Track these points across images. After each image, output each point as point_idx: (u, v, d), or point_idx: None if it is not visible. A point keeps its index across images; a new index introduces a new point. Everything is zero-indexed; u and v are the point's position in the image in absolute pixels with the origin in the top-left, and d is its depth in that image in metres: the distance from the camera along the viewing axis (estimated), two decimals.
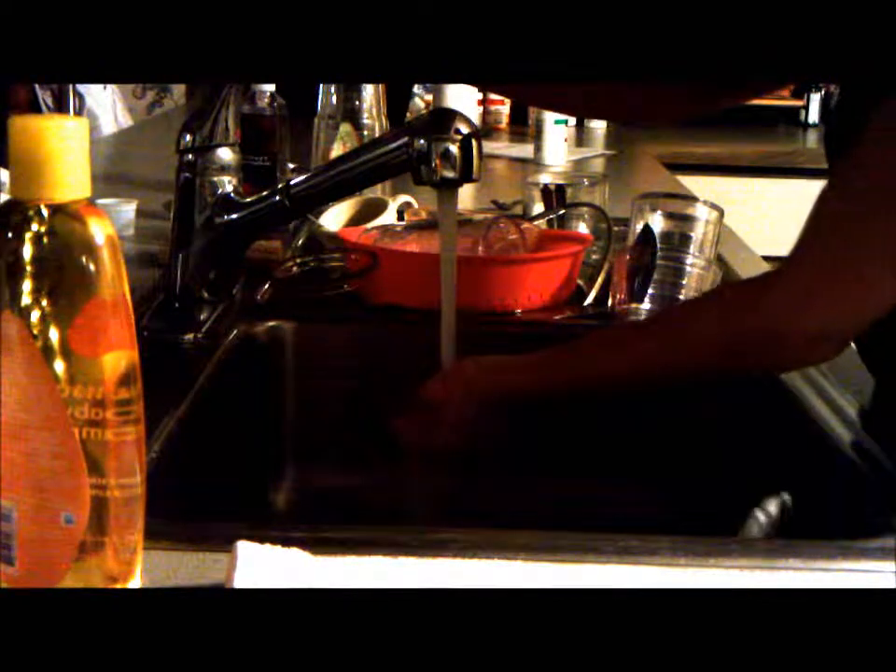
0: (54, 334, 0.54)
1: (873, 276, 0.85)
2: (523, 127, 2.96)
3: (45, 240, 0.54)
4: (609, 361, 0.97)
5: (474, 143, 1.00)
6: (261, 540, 0.65)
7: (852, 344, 1.02)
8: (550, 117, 2.36)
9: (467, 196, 1.86)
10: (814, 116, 3.39)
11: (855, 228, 0.86)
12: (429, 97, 2.64)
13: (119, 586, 0.58)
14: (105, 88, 3.10)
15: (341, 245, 1.31)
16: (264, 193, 1.11)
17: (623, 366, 0.96)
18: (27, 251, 0.54)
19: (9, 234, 0.54)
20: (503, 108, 3.02)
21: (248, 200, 1.11)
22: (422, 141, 1.00)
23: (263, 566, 0.62)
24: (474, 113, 2.57)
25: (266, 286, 1.28)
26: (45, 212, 0.54)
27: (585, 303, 1.29)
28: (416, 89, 2.76)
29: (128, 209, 1.52)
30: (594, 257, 1.35)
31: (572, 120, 2.90)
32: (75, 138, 0.54)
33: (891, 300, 0.85)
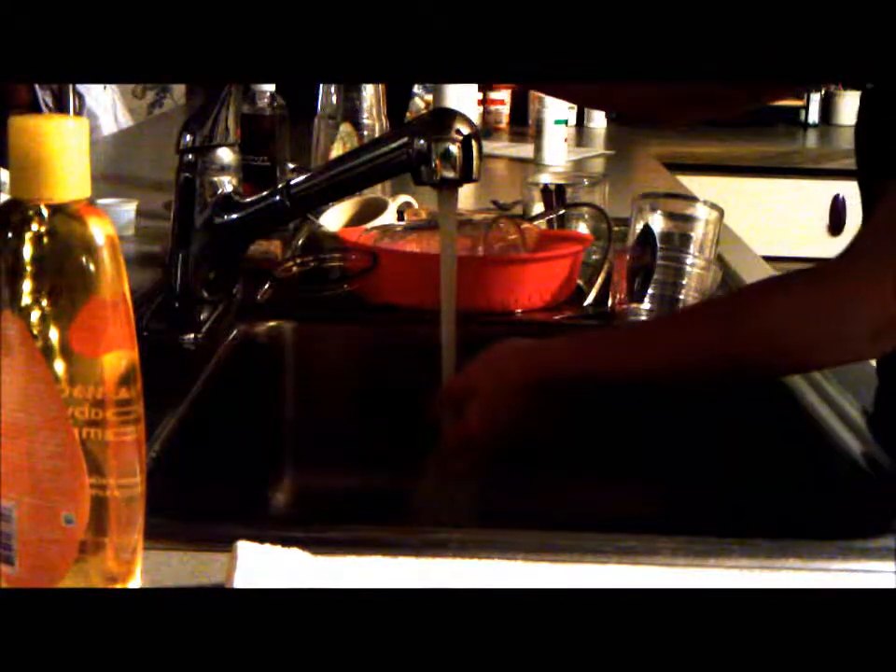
0: (54, 334, 0.54)
1: None
2: (523, 127, 2.96)
3: (45, 240, 0.54)
4: (662, 347, 0.92)
5: (474, 143, 1.00)
6: (261, 540, 0.65)
7: None
8: (550, 117, 2.36)
9: (467, 196, 1.86)
10: (814, 116, 3.39)
11: None
12: (429, 97, 2.64)
13: (119, 586, 0.58)
14: (104, 88, 3.10)
15: (341, 245, 1.31)
16: (264, 193, 1.11)
17: (671, 351, 0.92)
18: (27, 251, 0.54)
19: (9, 234, 0.54)
20: (503, 108, 3.02)
21: (248, 200, 1.11)
22: (422, 141, 1.00)
23: (263, 566, 0.62)
24: (474, 113, 2.57)
25: (266, 286, 1.28)
26: (45, 212, 0.54)
27: (585, 303, 1.29)
28: (416, 89, 2.76)
29: (128, 209, 1.52)
30: (594, 257, 1.35)
31: (572, 120, 2.90)
32: (75, 138, 0.54)
33: None
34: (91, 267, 0.54)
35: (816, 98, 3.38)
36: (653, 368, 0.92)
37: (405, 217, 1.47)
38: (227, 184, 1.11)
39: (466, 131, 1.00)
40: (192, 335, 1.10)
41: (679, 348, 0.92)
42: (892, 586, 0.67)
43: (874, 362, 1.01)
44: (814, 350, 0.87)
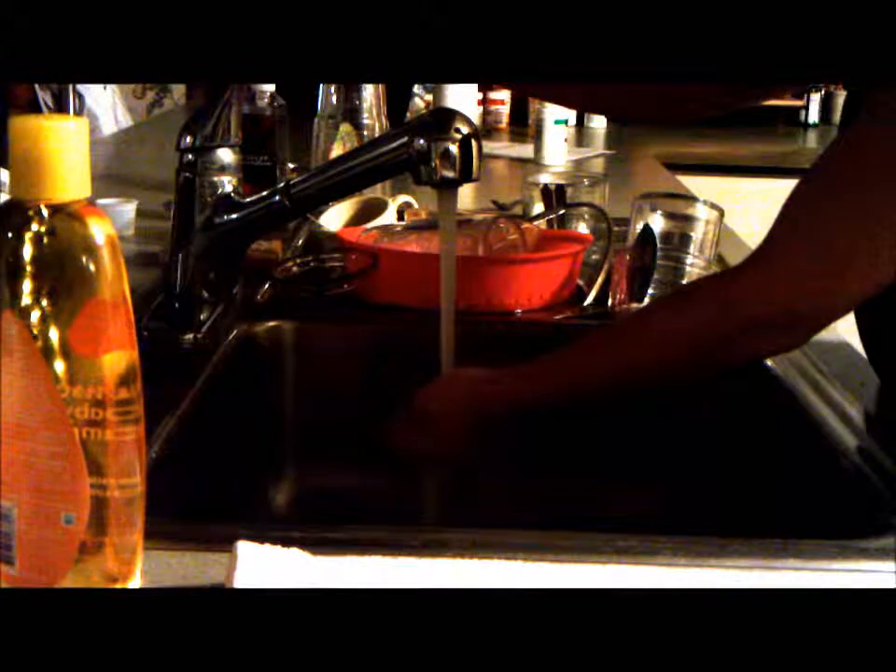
0: (54, 334, 0.54)
1: (845, 262, 0.85)
2: (523, 127, 2.96)
3: (45, 240, 0.54)
4: (595, 367, 0.97)
5: (474, 143, 1.00)
6: (261, 540, 0.65)
7: (859, 344, 1.03)
8: (550, 117, 2.36)
9: (467, 196, 1.86)
10: (814, 116, 3.39)
11: (827, 215, 0.86)
12: (429, 97, 2.64)
13: (118, 586, 0.58)
14: (105, 88, 3.11)
15: (341, 245, 1.31)
16: (264, 193, 1.11)
17: (609, 369, 0.96)
18: (27, 251, 0.54)
19: (9, 234, 0.54)
20: (503, 108, 3.02)
21: (248, 200, 1.11)
22: (422, 141, 1.00)
23: (263, 566, 0.62)
24: (474, 113, 2.57)
25: (266, 286, 1.28)
26: (45, 212, 0.54)
27: (585, 303, 1.29)
28: (416, 89, 2.76)
29: (128, 209, 1.52)
30: (594, 257, 1.35)
31: (572, 120, 2.90)
32: (75, 138, 0.54)
33: (864, 288, 0.85)
34: (91, 267, 0.54)
35: (816, 98, 3.38)
36: (608, 384, 0.97)
37: (405, 217, 1.47)
38: (227, 184, 1.11)
39: (465, 130, 1.00)
40: (192, 335, 1.10)
41: (617, 363, 0.96)
42: (892, 586, 0.67)
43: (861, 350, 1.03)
44: (732, 345, 0.91)
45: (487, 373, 1.02)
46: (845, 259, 0.85)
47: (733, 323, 0.89)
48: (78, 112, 2.86)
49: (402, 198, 1.53)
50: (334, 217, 1.45)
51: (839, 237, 0.85)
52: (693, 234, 1.21)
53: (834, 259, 0.85)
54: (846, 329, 1.04)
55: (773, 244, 0.89)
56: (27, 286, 0.54)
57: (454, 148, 0.99)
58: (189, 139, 1.09)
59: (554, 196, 1.46)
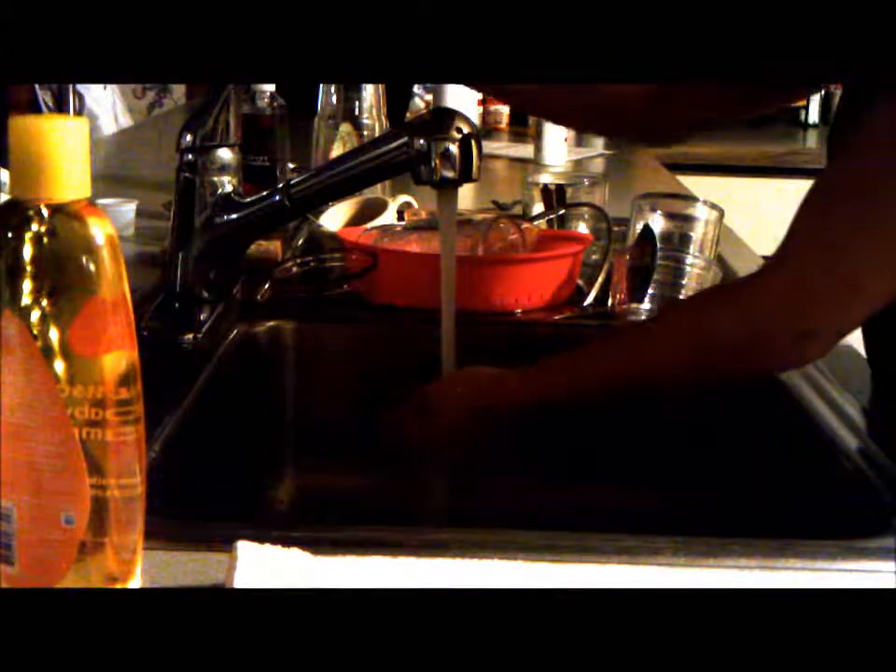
0: (54, 334, 0.54)
1: (858, 275, 0.84)
2: (523, 127, 2.96)
3: (45, 240, 0.54)
4: (602, 372, 0.96)
5: (474, 143, 1.00)
6: (261, 540, 0.65)
7: (859, 345, 1.03)
8: None
9: (467, 196, 1.86)
10: (814, 116, 3.39)
11: (839, 227, 0.85)
12: (429, 97, 2.64)
13: (118, 586, 0.58)
14: (105, 88, 3.11)
15: (341, 245, 1.31)
16: (264, 193, 1.11)
17: (616, 375, 0.95)
18: (27, 251, 0.54)
19: (9, 234, 0.54)
20: (503, 108, 3.02)
21: (248, 200, 1.11)
22: (422, 141, 1.00)
23: (263, 566, 0.62)
24: (474, 113, 2.57)
25: (266, 286, 1.28)
26: (45, 212, 0.54)
27: (585, 303, 1.29)
28: (416, 89, 2.76)
29: (128, 209, 1.52)
30: (594, 257, 1.35)
31: None
32: (75, 138, 0.54)
33: (879, 300, 0.84)
34: (91, 267, 0.54)
35: (816, 98, 3.38)
36: (612, 389, 0.96)
37: (405, 217, 1.47)
38: (227, 184, 1.11)
39: (465, 130, 1.00)
40: (192, 335, 1.09)
41: (624, 369, 0.95)
42: (892, 586, 0.67)
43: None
44: (743, 357, 0.90)
45: (494, 372, 1.02)
46: (857, 273, 0.84)
47: (743, 335, 0.88)
48: (78, 112, 2.86)
49: (402, 198, 1.53)
50: (334, 217, 1.45)
51: (850, 250, 0.84)
52: (692, 234, 1.21)
53: (847, 272, 0.84)
54: None
55: (784, 257, 0.87)
56: (27, 286, 0.54)
57: (453, 148, 0.99)
58: (188, 139, 1.09)
59: (554, 196, 1.46)
